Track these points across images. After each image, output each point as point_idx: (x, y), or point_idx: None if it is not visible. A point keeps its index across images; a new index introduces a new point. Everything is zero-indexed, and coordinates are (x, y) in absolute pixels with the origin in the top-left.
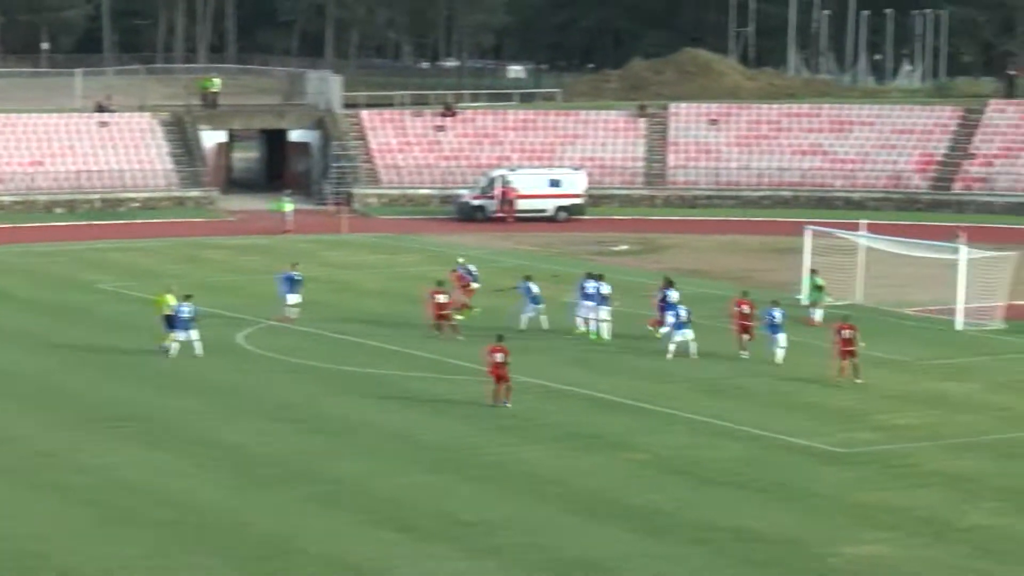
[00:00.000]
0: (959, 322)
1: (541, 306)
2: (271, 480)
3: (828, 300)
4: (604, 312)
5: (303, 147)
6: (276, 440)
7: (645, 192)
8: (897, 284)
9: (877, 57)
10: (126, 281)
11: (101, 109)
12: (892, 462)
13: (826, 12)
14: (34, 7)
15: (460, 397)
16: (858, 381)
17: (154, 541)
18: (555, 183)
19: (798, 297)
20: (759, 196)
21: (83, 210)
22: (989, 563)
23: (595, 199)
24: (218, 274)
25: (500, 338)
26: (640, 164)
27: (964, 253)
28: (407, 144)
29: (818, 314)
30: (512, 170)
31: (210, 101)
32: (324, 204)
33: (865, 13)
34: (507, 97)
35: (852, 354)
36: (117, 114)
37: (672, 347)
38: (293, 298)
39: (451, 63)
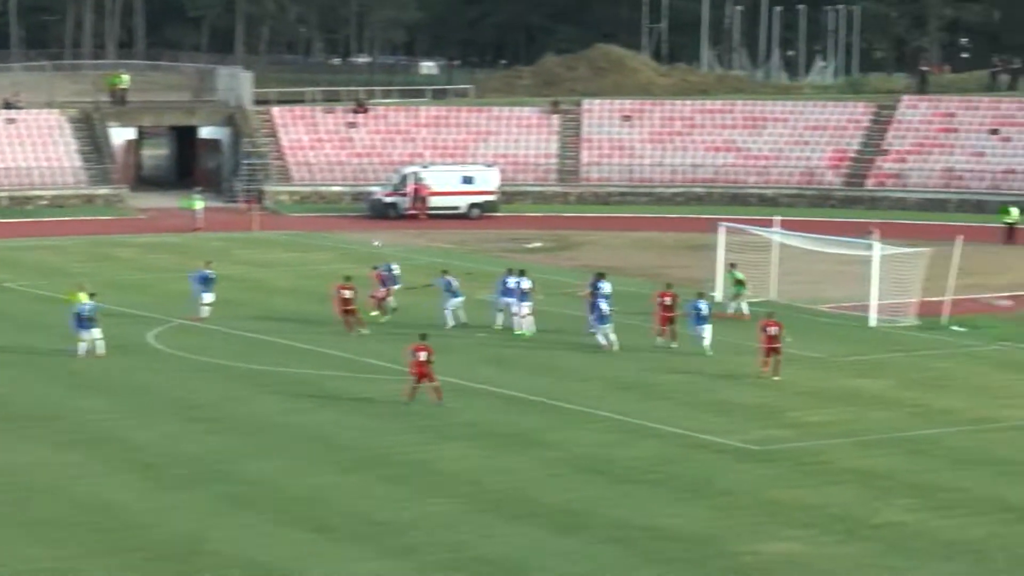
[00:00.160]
0: (872, 319)
1: (460, 299)
2: (182, 480)
3: (747, 293)
4: (526, 308)
5: (213, 144)
6: (187, 440)
7: (558, 189)
8: (811, 281)
9: (790, 53)
10: (34, 280)
11: (8, 106)
12: (805, 459)
13: (739, 8)
14: None
15: (374, 396)
16: (776, 379)
17: (64, 543)
18: (468, 180)
19: (712, 295)
20: (672, 193)
21: None
22: (901, 560)
23: (508, 196)
24: (128, 272)
25: (423, 337)
26: (553, 161)
27: (877, 249)
28: (319, 141)
29: (743, 307)
30: (425, 167)
31: (119, 98)
32: (235, 202)
33: (778, 9)
34: (419, 93)
35: (776, 351)
36: (24, 111)
37: (602, 340)
38: (208, 296)
39: (363, 59)
